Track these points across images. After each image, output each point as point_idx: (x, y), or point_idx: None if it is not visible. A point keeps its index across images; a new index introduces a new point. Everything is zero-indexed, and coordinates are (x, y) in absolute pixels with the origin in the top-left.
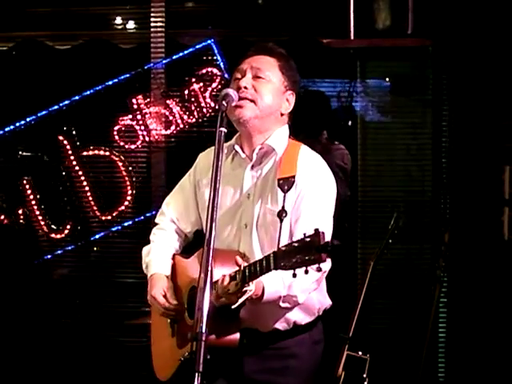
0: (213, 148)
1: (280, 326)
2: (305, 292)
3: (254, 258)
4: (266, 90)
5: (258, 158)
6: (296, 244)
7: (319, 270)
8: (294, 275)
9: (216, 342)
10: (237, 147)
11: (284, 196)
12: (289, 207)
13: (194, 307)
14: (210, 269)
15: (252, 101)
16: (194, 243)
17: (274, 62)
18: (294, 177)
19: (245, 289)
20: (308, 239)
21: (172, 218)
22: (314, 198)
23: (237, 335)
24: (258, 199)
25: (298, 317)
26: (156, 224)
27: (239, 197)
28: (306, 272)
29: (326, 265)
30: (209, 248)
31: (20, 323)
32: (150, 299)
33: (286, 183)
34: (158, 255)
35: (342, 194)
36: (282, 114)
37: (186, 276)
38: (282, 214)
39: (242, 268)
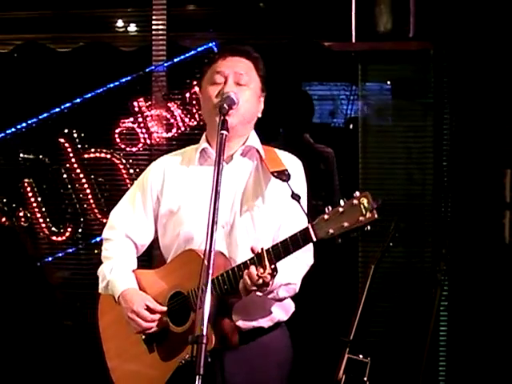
0: (165, 157)
1: (265, 324)
2: (299, 282)
3: (235, 257)
4: (248, 97)
5: (238, 159)
6: (341, 209)
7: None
8: (338, 241)
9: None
10: (211, 150)
11: (288, 184)
12: (277, 198)
13: (181, 314)
14: (210, 272)
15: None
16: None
17: (252, 65)
18: (287, 170)
19: (267, 272)
20: (354, 201)
21: (125, 231)
22: (302, 188)
23: (236, 334)
24: (238, 198)
25: (281, 316)
26: (106, 239)
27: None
28: (353, 235)
29: (311, 259)
30: (210, 251)
31: (21, 326)
32: (131, 315)
33: (283, 175)
34: (123, 271)
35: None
36: (257, 118)
37: (158, 287)
38: (295, 197)
39: (265, 250)
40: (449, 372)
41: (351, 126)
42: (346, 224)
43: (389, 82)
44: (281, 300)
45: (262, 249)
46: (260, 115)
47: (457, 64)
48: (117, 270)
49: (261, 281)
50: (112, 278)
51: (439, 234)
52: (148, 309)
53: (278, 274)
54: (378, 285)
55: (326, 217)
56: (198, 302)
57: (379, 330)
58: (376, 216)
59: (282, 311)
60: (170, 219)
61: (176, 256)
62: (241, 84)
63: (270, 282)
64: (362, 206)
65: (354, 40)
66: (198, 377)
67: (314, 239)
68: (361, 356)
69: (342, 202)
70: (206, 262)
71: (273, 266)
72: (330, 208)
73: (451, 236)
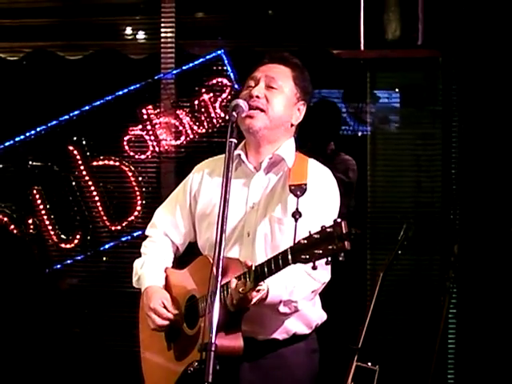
0: (210, 159)
1: (279, 336)
2: (305, 299)
3: None
4: (277, 101)
5: (266, 167)
6: (316, 236)
7: (328, 263)
8: (314, 268)
9: (221, 351)
10: (243, 156)
11: (297, 201)
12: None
13: (193, 317)
14: (219, 279)
15: (263, 110)
16: (184, 256)
17: (288, 72)
18: (305, 184)
19: (258, 288)
20: (329, 229)
21: (164, 230)
22: (321, 203)
23: (241, 343)
24: (262, 208)
25: (299, 328)
26: (147, 236)
27: (243, 206)
28: (327, 263)
29: (326, 276)
30: (218, 259)
31: (30, 332)
32: (148, 312)
33: (298, 189)
34: (152, 268)
35: (342, 207)
36: (291, 125)
37: (181, 287)
38: (295, 214)
39: (254, 267)
40: (457, 380)
41: (360, 134)
42: (319, 251)
43: (397, 90)
44: (282, 315)
45: (251, 265)
46: (295, 123)
47: (465, 71)
48: (147, 265)
49: (240, 296)
50: (142, 272)
51: (448, 242)
52: (165, 307)
53: (280, 290)
54: (386, 292)
55: (302, 241)
56: (206, 309)
57: (388, 338)
58: (347, 247)
59: (301, 323)
60: (203, 222)
61: (194, 261)
62: (272, 87)
63: (253, 300)
64: (335, 235)
65: (362, 48)
66: None
67: (290, 262)
68: (369, 364)
69: (319, 229)
70: (214, 272)
71: (252, 285)
72: (310, 232)
73: (460, 244)
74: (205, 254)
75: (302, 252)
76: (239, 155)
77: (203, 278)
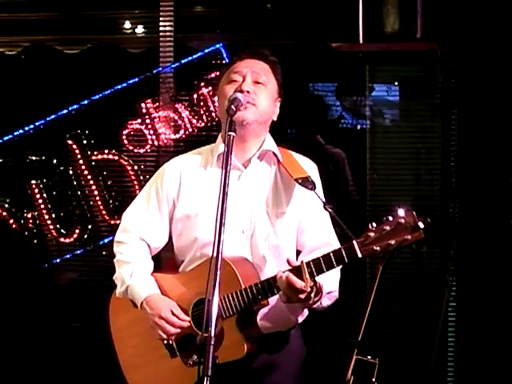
0: (178, 158)
1: (284, 328)
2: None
3: (258, 262)
4: (264, 96)
5: (257, 163)
6: (387, 227)
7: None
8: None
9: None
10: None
11: (315, 193)
12: (299, 205)
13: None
14: (218, 279)
15: (253, 105)
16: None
17: (269, 68)
18: (309, 177)
19: (308, 285)
20: (401, 220)
21: (140, 235)
22: (321, 194)
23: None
24: (258, 203)
25: (299, 320)
26: (120, 242)
27: (233, 203)
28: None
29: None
30: (218, 257)
31: (29, 327)
32: (159, 321)
33: (307, 182)
34: (144, 276)
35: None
36: (272, 121)
37: (182, 292)
38: (326, 207)
39: (305, 263)
40: (457, 372)
41: (359, 127)
42: (392, 242)
43: (396, 83)
44: (324, 308)
45: (302, 262)
46: (275, 118)
47: (464, 64)
48: (137, 274)
49: (303, 295)
50: (132, 282)
51: (447, 235)
52: (173, 315)
53: (328, 283)
54: (386, 286)
55: (371, 234)
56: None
57: (388, 331)
58: (423, 235)
59: (301, 317)
60: (186, 223)
61: (200, 263)
62: (259, 82)
63: (312, 295)
64: (408, 225)
65: (361, 41)
66: (206, 378)
67: (360, 255)
68: (369, 357)
69: (387, 219)
70: (213, 266)
71: (313, 280)
72: (374, 224)
73: (459, 237)
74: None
75: (374, 244)
76: (222, 153)
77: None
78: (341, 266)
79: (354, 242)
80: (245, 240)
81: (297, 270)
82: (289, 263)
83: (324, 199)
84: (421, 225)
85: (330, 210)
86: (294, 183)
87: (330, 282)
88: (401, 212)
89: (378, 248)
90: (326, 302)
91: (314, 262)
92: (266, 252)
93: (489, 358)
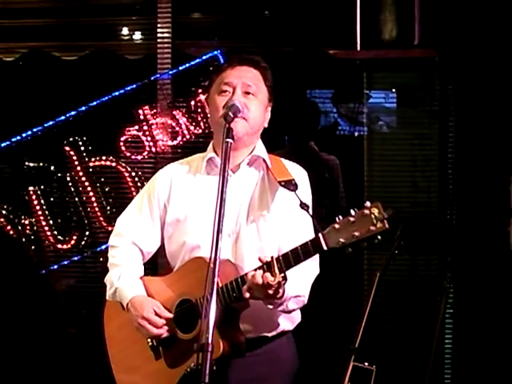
0: (172, 165)
1: (269, 333)
2: (308, 293)
3: (242, 266)
4: (255, 108)
5: (245, 169)
6: (352, 218)
7: (364, 246)
8: (348, 250)
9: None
10: (217, 159)
11: (295, 193)
12: (283, 208)
13: (189, 321)
14: (215, 281)
15: (244, 119)
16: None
17: (260, 75)
18: (294, 180)
19: (277, 280)
20: (366, 211)
21: (132, 239)
22: (307, 197)
23: (243, 338)
24: (245, 208)
25: (286, 325)
26: (113, 246)
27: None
28: (363, 247)
29: (318, 268)
30: (215, 261)
31: (26, 333)
32: (142, 322)
33: (290, 184)
34: (131, 278)
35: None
36: (263, 128)
37: (166, 293)
38: (303, 206)
39: (275, 259)
40: (454, 379)
41: (356, 134)
42: (356, 233)
43: (394, 90)
44: (290, 312)
45: (272, 257)
46: (266, 125)
47: (462, 71)
48: (125, 277)
49: (271, 291)
50: (120, 285)
51: (444, 242)
52: (156, 314)
53: (287, 287)
54: (383, 292)
55: (336, 226)
56: (203, 310)
57: (385, 338)
58: (387, 226)
59: (288, 321)
60: (176, 228)
61: (184, 263)
62: (249, 93)
63: (281, 291)
64: (372, 216)
65: (358, 48)
66: None
67: (325, 248)
68: (366, 364)
69: (352, 212)
70: (211, 271)
71: (282, 275)
72: (340, 217)
73: (456, 244)
74: (199, 256)
75: (339, 236)
76: (211, 159)
77: (199, 279)
78: (315, 272)
79: (320, 234)
80: (230, 243)
81: (267, 266)
82: (260, 260)
83: (310, 203)
84: (385, 215)
85: (305, 209)
86: (278, 186)
87: (299, 286)
88: (367, 204)
89: (343, 240)
90: (292, 305)
91: (284, 257)
92: (249, 254)
93: (486, 365)
